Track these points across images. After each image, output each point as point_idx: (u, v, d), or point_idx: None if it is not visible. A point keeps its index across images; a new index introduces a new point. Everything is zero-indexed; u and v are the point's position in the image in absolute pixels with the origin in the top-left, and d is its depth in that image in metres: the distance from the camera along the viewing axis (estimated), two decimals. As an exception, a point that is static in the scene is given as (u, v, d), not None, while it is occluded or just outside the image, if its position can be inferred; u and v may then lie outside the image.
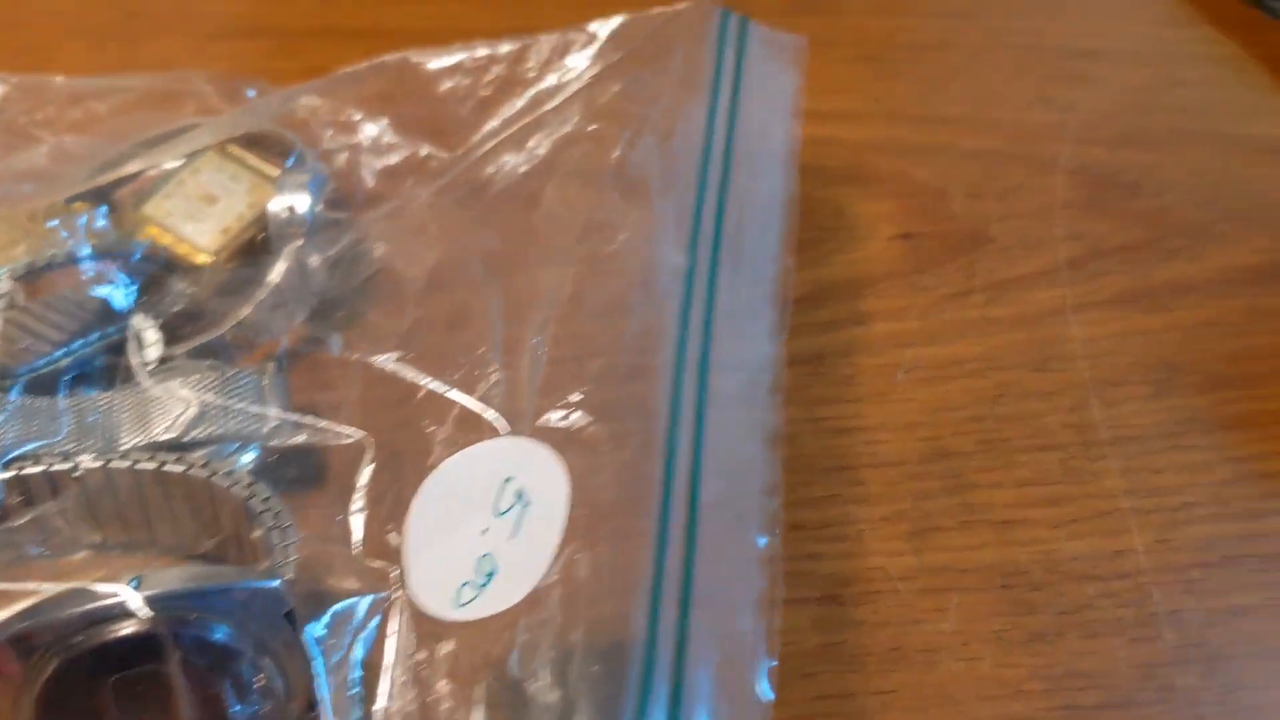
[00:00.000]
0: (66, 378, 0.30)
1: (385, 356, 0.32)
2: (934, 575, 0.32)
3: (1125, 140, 0.44)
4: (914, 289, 0.38)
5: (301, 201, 0.33)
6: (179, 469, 0.27)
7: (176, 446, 0.28)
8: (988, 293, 0.38)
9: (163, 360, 0.30)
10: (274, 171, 0.36)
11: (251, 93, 0.38)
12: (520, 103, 0.37)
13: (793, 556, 0.31)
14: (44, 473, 0.27)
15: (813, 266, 0.38)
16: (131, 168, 0.35)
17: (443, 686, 0.24)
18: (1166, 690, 0.30)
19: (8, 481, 0.26)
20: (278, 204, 0.34)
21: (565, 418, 0.29)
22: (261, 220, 0.34)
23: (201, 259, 0.34)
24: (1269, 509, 0.34)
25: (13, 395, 0.29)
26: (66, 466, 0.27)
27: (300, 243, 0.33)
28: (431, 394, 0.31)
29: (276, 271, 0.33)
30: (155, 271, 0.33)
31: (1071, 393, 0.36)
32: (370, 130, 0.37)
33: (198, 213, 0.34)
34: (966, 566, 0.32)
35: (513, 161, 0.35)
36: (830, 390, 0.35)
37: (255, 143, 0.36)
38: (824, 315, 0.37)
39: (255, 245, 0.34)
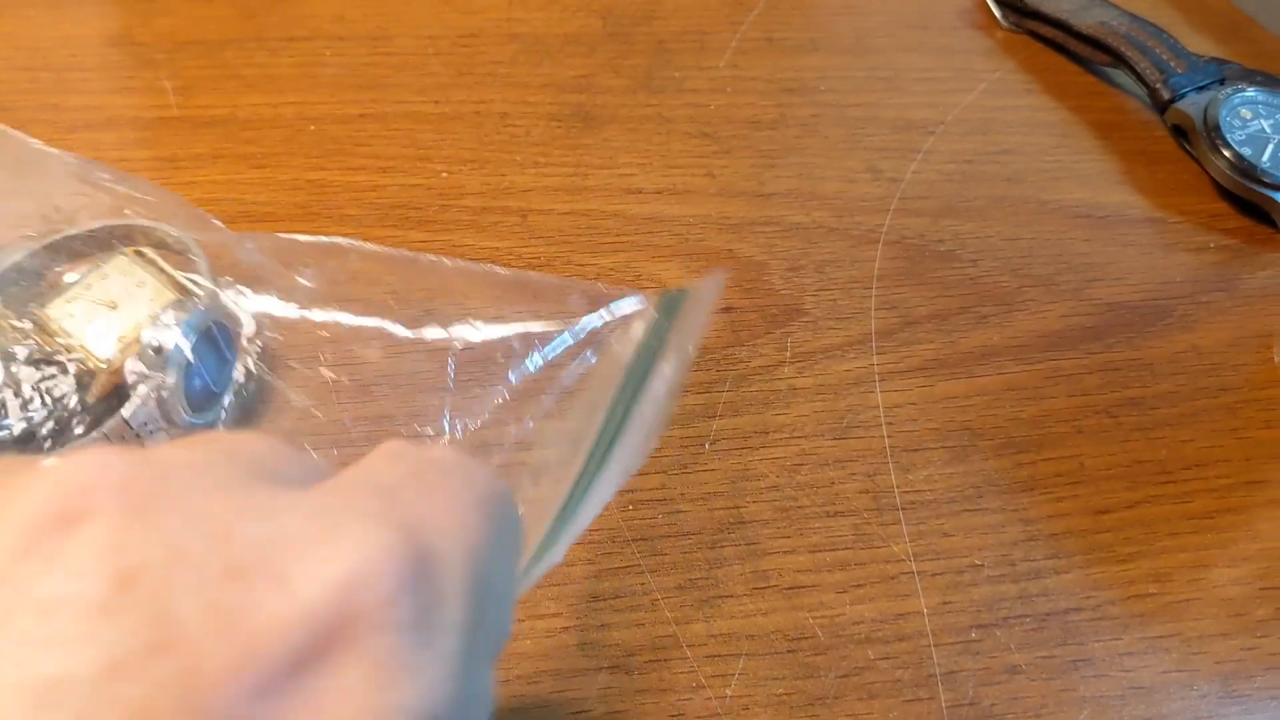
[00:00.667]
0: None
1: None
2: (722, 642, 0.33)
3: (947, 210, 0.46)
4: (728, 361, 0.40)
5: (171, 337, 0.33)
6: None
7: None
8: (798, 364, 0.40)
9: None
10: (182, 281, 0.36)
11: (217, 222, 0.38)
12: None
13: (584, 627, 0.33)
14: None
15: (633, 342, 0.40)
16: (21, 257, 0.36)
17: None
18: (936, 748, 0.31)
19: None
20: (150, 335, 0.33)
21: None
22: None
23: (94, 365, 0.33)
24: (1049, 568, 0.35)
25: None
26: None
27: (162, 379, 0.33)
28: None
29: (129, 406, 0.33)
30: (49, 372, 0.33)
31: (869, 459, 0.37)
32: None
33: (98, 318, 0.34)
34: (754, 632, 0.33)
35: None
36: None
37: (167, 249, 0.36)
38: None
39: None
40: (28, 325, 0.34)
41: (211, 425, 0.34)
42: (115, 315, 0.34)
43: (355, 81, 0.48)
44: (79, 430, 0.32)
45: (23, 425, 0.32)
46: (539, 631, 0.33)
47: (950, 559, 0.35)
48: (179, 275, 0.35)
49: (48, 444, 0.32)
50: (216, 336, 0.34)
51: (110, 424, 0.32)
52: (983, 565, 0.35)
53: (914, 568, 0.35)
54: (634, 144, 0.47)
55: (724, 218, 0.44)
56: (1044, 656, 0.33)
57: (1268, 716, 0.33)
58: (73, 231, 0.37)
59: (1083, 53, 0.52)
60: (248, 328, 0.35)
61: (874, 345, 0.41)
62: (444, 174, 0.44)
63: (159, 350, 0.33)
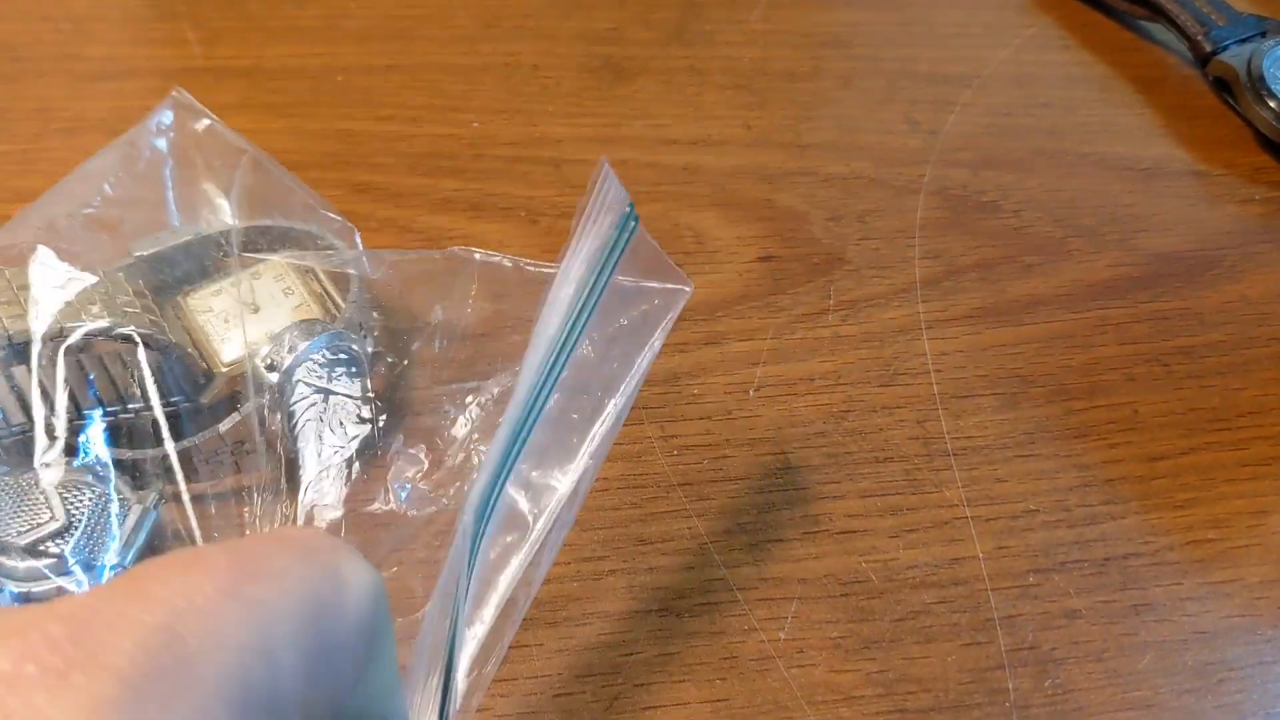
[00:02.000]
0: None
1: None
2: (773, 585, 0.32)
3: (987, 161, 0.45)
4: (770, 310, 0.39)
5: (285, 358, 0.31)
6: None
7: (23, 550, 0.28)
8: (841, 312, 0.39)
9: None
10: (333, 298, 0.34)
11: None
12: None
13: (632, 570, 0.32)
14: None
15: (672, 289, 0.39)
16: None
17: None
18: (998, 693, 0.31)
19: None
20: (268, 350, 0.31)
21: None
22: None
23: (216, 367, 0.32)
24: (1105, 514, 0.34)
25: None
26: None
27: (266, 399, 0.31)
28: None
29: (227, 421, 0.31)
30: (168, 364, 0.31)
31: (918, 406, 0.36)
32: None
33: (236, 318, 0.33)
34: (805, 576, 0.32)
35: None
36: (681, 409, 0.36)
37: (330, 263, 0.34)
38: (679, 337, 0.38)
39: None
40: (166, 312, 0.33)
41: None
42: (254, 319, 0.33)
43: (382, 33, 0.47)
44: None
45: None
46: (585, 574, 0.32)
47: (1004, 504, 0.34)
48: (333, 292, 0.34)
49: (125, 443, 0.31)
50: (349, 363, 0.32)
51: (205, 434, 0.31)
52: (1038, 510, 0.34)
53: (968, 513, 0.34)
54: (667, 95, 0.46)
55: (761, 168, 0.43)
56: (1104, 601, 0.33)
57: (1334, 662, 0.32)
58: (242, 224, 0.35)
59: (1120, 7, 0.51)
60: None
61: (919, 293, 0.40)
62: (475, 124, 0.44)
63: (271, 368, 0.31)
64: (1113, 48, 0.50)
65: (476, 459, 0.31)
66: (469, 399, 0.32)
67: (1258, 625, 0.33)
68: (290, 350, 0.31)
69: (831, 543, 0.33)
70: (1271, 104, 0.45)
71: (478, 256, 0.33)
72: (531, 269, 0.33)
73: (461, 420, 0.32)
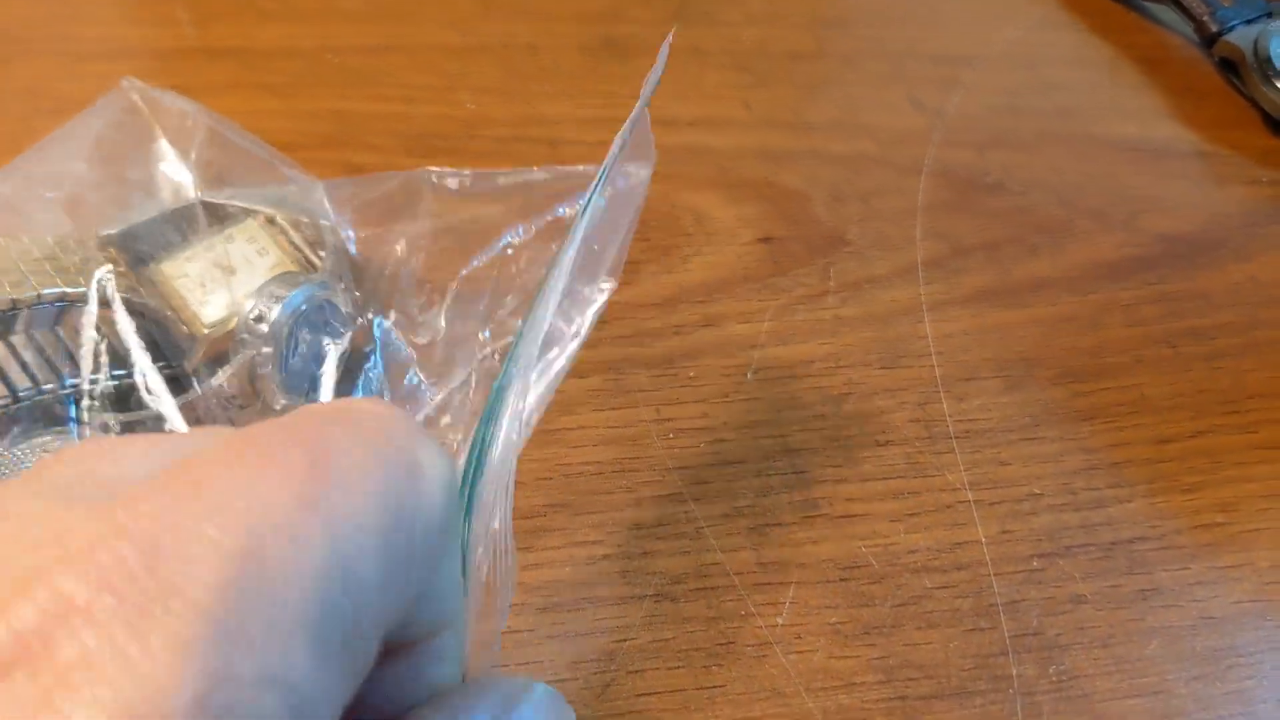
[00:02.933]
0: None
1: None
2: (771, 570, 0.31)
3: (993, 142, 0.44)
4: (769, 291, 0.38)
5: (274, 310, 0.31)
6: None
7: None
8: (842, 294, 0.38)
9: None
10: (309, 257, 0.33)
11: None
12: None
13: (627, 555, 0.31)
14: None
15: (670, 272, 0.38)
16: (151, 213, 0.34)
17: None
18: (1001, 680, 0.30)
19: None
20: (252, 304, 0.31)
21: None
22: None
23: (196, 330, 0.32)
24: (1112, 498, 0.34)
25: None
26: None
27: (255, 353, 0.31)
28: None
29: (220, 374, 0.31)
30: (147, 330, 0.31)
31: (920, 389, 0.36)
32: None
33: (213, 281, 0.32)
34: (804, 561, 0.32)
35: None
36: (677, 392, 0.35)
37: (300, 226, 0.34)
38: (677, 319, 0.37)
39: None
40: (144, 281, 0.32)
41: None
42: (231, 281, 0.32)
43: (377, 14, 0.46)
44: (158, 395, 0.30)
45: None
46: (578, 559, 0.31)
47: (1008, 488, 0.34)
48: (305, 249, 0.33)
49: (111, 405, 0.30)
50: (328, 316, 0.32)
51: (203, 387, 0.31)
52: (1042, 494, 0.34)
53: (970, 497, 0.33)
54: (666, 76, 0.45)
55: (763, 148, 0.43)
56: (1110, 586, 0.32)
57: (1346, 648, 0.31)
58: (211, 196, 0.35)
59: (1126, -13, 0.51)
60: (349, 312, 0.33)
61: (921, 275, 0.39)
62: (470, 105, 0.43)
63: (259, 320, 0.31)
64: (1118, 28, 0.49)
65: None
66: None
67: (1268, 610, 0.32)
68: (276, 300, 0.31)
69: (831, 527, 0.32)
70: (1279, 84, 0.44)
71: (434, 178, 0.33)
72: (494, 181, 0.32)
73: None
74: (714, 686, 0.29)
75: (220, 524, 0.13)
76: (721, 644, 0.30)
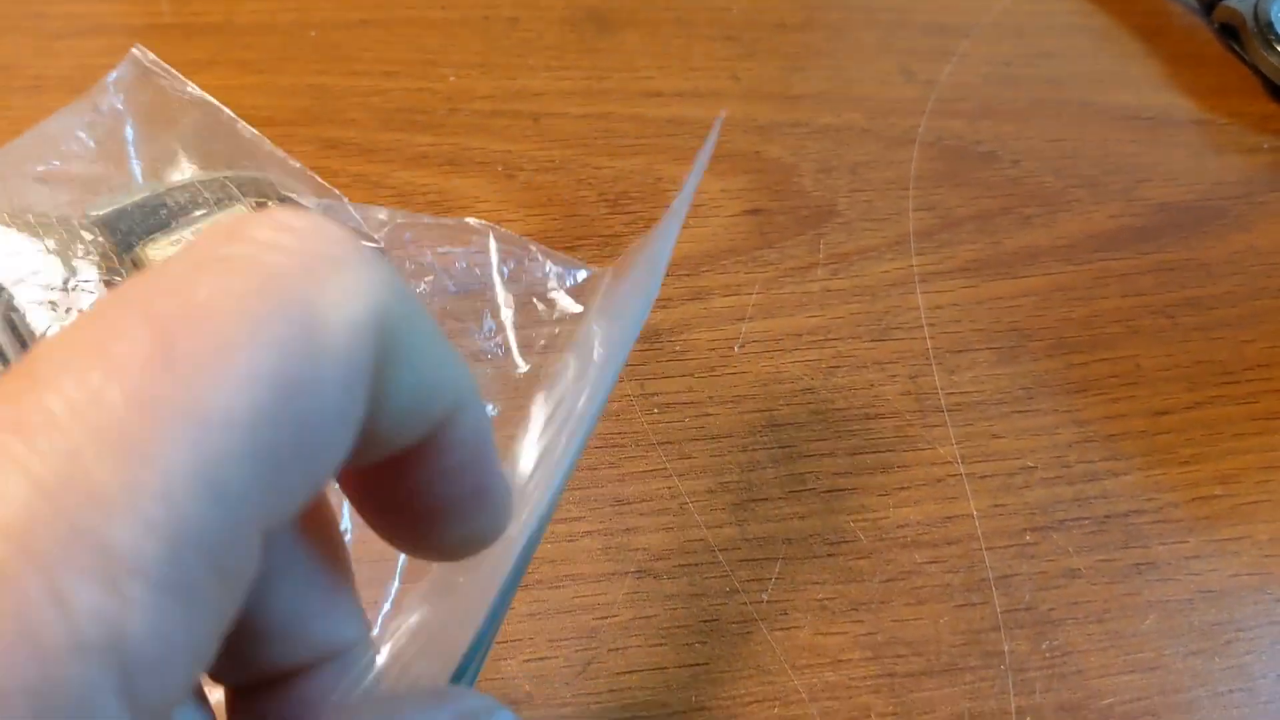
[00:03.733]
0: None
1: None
2: (757, 545, 0.31)
3: (986, 112, 0.43)
4: (756, 264, 0.37)
5: None
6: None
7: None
8: (831, 265, 0.37)
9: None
10: None
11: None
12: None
13: (609, 531, 0.30)
14: None
15: (655, 244, 0.37)
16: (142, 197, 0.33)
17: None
18: (993, 656, 0.29)
19: None
20: None
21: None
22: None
23: None
24: (1107, 470, 0.33)
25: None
26: None
27: None
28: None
29: None
30: None
31: (911, 361, 0.35)
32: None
33: None
34: (790, 536, 0.31)
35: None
36: (663, 366, 0.34)
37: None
38: (663, 293, 0.36)
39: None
40: (128, 264, 0.32)
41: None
42: None
43: (357, -12, 0.45)
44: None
45: None
46: (560, 536, 0.30)
47: (1000, 461, 0.33)
48: None
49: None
50: None
51: None
52: (1035, 467, 0.33)
53: (962, 470, 0.32)
54: (652, 47, 0.44)
55: (750, 120, 0.42)
56: (1104, 560, 0.31)
57: (1349, 622, 0.30)
58: (203, 177, 0.34)
59: (1123, -46, 0.49)
60: None
61: (913, 246, 0.38)
62: (451, 78, 0.42)
63: None
64: (1116, -4, 0.48)
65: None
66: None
67: (1267, 584, 0.31)
68: None
69: (818, 501, 0.32)
70: (1281, 49, 0.43)
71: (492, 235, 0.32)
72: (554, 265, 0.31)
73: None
74: (697, 664, 0.28)
75: (30, 444, 0.10)
76: (705, 621, 0.29)
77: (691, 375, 0.34)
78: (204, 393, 0.11)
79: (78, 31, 0.42)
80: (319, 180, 0.35)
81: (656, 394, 0.34)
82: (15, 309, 0.29)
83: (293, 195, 0.33)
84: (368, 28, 0.44)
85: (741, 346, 0.35)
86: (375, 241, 0.33)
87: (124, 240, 0.33)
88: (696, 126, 0.41)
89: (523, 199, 0.38)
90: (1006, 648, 0.29)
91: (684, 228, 0.38)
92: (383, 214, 0.34)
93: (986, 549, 0.31)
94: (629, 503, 0.31)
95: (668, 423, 0.33)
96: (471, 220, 0.35)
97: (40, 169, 0.35)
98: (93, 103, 0.36)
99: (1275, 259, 0.39)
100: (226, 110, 0.36)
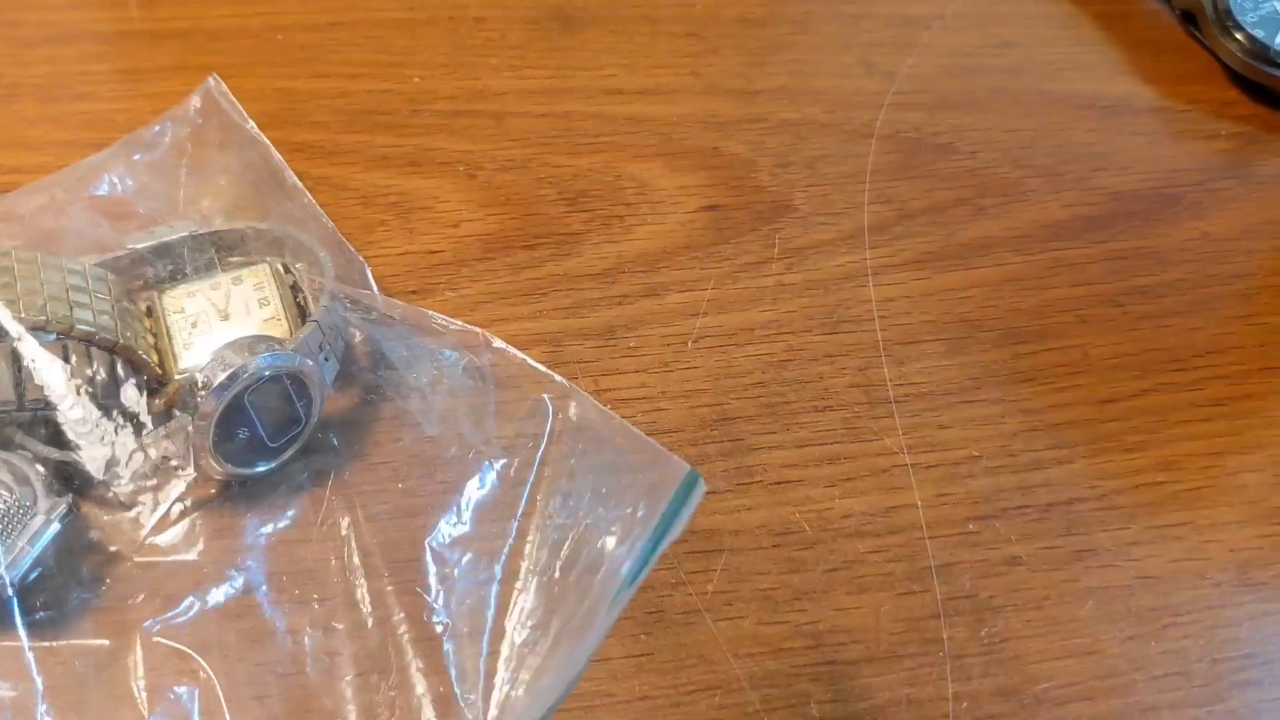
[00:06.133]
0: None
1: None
2: (703, 538, 0.31)
3: (944, 103, 0.44)
4: (712, 259, 0.38)
5: (218, 376, 0.28)
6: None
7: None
8: (786, 260, 0.38)
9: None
10: (309, 315, 0.32)
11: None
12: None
13: (554, 478, 0.31)
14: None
15: (613, 242, 0.38)
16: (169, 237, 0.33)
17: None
18: (932, 643, 0.30)
19: None
20: (209, 367, 0.29)
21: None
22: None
23: (169, 373, 0.31)
24: (1051, 459, 0.34)
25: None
26: None
27: (190, 418, 0.29)
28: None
29: (151, 435, 0.29)
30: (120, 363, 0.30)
31: (861, 354, 0.36)
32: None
33: (204, 323, 0.31)
34: (737, 528, 0.32)
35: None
36: (616, 362, 0.35)
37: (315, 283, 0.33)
38: (618, 289, 0.37)
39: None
40: (140, 309, 0.32)
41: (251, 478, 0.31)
42: (222, 326, 0.32)
43: (326, -10, 0.46)
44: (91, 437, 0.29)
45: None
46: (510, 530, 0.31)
47: (946, 451, 0.34)
48: (311, 305, 0.32)
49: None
50: (290, 391, 0.30)
51: (130, 445, 0.29)
52: (980, 456, 0.33)
53: (907, 460, 0.33)
54: (616, 45, 0.45)
55: (710, 116, 0.42)
56: (1046, 547, 0.32)
57: (1285, 605, 0.31)
58: (235, 226, 0.34)
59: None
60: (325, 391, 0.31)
61: (867, 240, 0.39)
62: (416, 79, 0.43)
63: (204, 385, 0.28)
64: (1079, -16, 0.49)
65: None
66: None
67: (1207, 569, 0.32)
68: (225, 368, 0.29)
69: (765, 494, 0.32)
70: (1238, 36, 0.44)
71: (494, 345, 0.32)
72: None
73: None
74: (641, 655, 0.29)
75: None
76: (650, 612, 0.30)
77: (645, 371, 0.35)
78: None
79: (50, 39, 0.43)
80: (345, 242, 0.35)
81: (610, 389, 0.34)
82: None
83: (314, 257, 0.33)
84: (336, 30, 0.45)
85: (695, 342, 0.36)
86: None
87: (157, 280, 0.33)
88: (656, 123, 0.42)
89: (482, 198, 0.39)
90: (946, 635, 0.30)
91: (642, 224, 0.39)
92: (398, 309, 0.34)
93: (929, 538, 0.32)
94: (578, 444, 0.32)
95: (621, 418, 0.34)
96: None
97: (93, 193, 0.35)
98: (158, 131, 0.37)
99: (1227, 245, 0.40)
100: (277, 155, 0.37)
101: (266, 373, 0.29)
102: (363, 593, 0.29)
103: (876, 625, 0.30)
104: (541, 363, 0.34)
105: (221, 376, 0.28)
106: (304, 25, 0.45)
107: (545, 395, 0.31)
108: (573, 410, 0.31)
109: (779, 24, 0.46)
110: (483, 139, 0.41)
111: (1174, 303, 0.38)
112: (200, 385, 0.28)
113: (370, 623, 0.29)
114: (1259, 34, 0.44)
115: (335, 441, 0.32)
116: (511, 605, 0.28)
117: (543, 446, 0.31)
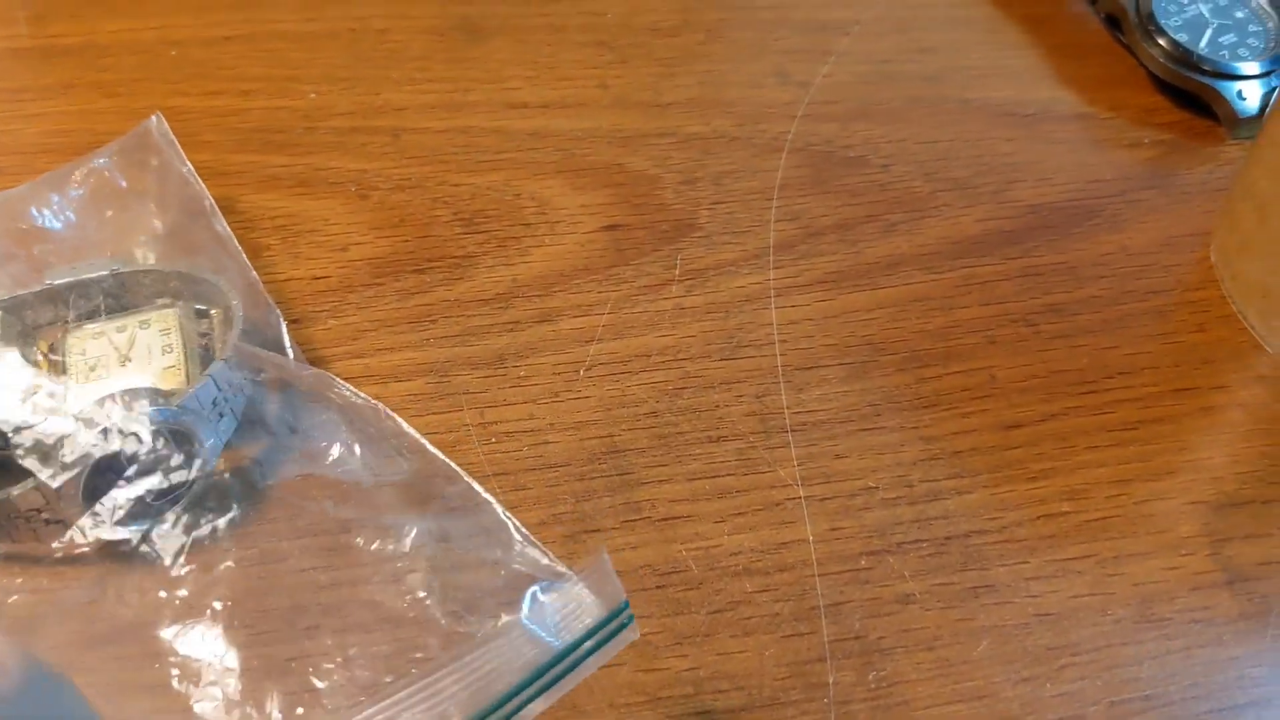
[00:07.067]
0: None
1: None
2: (584, 580, 0.30)
3: (859, 113, 0.42)
4: (610, 282, 0.37)
5: (99, 424, 0.28)
6: None
7: None
8: (687, 282, 0.37)
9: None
10: (211, 365, 0.30)
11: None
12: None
13: (433, 569, 0.30)
14: None
15: (508, 265, 0.37)
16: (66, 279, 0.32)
17: None
18: (816, 688, 0.29)
19: None
20: (89, 413, 0.28)
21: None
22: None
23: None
24: (951, 489, 0.32)
25: None
26: None
27: (56, 470, 0.28)
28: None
29: (19, 486, 0.28)
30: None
31: (758, 380, 0.34)
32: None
33: (104, 366, 0.31)
34: (620, 568, 0.30)
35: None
36: (504, 393, 0.34)
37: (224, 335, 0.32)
38: (510, 315, 0.35)
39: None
40: (35, 349, 0.31)
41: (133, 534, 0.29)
42: (121, 372, 0.31)
43: (224, 2, 0.44)
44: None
45: None
46: (385, 575, 0.30)
47: (842, 482, 0.32)
48: (218, 357, 0.31)
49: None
50: (174, 445, 0.29)
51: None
52: (877, 488, 0.32)
53: (801, 493, 0.32)
54: (522, 56, 0.43)
55: (616, 130, 0.41)
56: (941, 584, 0.31)
57: (1188, 640, 0.30)
58: (155, 267, 0.33)
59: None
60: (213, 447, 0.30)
61: (771, 259, 0.37)
62: (312, 95, 0.41)
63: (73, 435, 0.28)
64: (1004, -14, 0.48)
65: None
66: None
67: (1108, 604, 0.31)
68: (107, 418, 0.28)
69: (652, 531, 0.31)
70: (1161, 41, 0.43)
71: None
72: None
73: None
74: (512, 707, 0.28)
75: None
76: (524, 661, 0.29)
77: (534, 402, 0.34)
78: None
79: (-68, 58, 0.42)
80: (266, 297, 0.34)
81: (496, 422, 0.33)
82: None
83: (224, 309, 0.32)
84: (231, 44, 0.43)
85: (588, 370, 0.34)
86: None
87: (73, 318, 0.32)
88: (559, 139, 0.41)
89: (373, 220, 0.38)
90: (832, 679, 0.29)
91: (539, 246, 0.38)
92: (305, 373, 0.32)
93: (819, 575, 0.31)
94: (457, 539, 0.31)
95: (505, 453, 0.33)
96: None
97: (18, 226, 0.34)
98: (89, 166, 0.36)
99: (1145, 260, 0.38)
100: (209, 199, 0.35)
101: (151, 425, 0.28)
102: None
103: (760, 670, 0.29)
104: (424, 394, 0.33)
105: (92, 432, 0.27)
106: (199, 39, 0.43)
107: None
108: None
109: (692, 31, 0.45)
110: (378, 157, 0.40)
111: (1088, 321, 0.37)
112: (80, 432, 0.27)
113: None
114: (1182, 38, 0.42)
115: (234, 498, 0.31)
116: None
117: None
